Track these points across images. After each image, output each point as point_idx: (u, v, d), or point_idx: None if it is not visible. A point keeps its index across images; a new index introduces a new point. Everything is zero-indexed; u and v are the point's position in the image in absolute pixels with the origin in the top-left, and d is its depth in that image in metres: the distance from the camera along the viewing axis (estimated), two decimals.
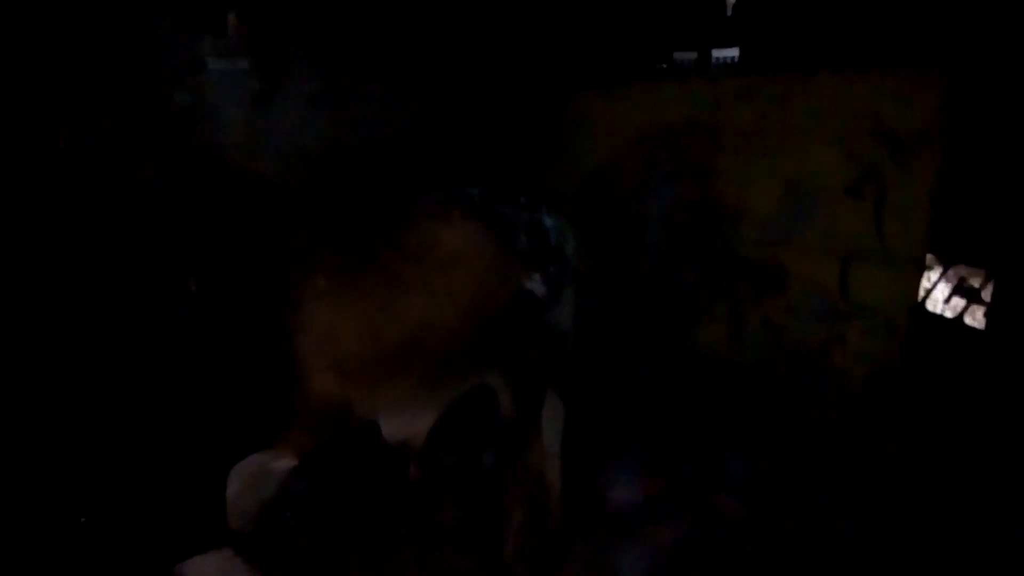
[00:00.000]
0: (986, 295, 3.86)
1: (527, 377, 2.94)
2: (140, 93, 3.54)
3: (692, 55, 5.09)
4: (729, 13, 4.65)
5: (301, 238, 2.77)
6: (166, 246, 2.95)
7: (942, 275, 4.06)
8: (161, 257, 2.88)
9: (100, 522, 2.70)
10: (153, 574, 2.42)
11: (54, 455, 2.73)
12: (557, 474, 3.24)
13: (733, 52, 4.91)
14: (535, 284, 2.86)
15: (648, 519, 3.46)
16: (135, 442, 2.67)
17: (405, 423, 2.88)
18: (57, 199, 3.14)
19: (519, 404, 2.93)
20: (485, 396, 2.98)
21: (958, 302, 4.07)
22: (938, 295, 4.14)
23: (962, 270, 4.07)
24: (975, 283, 3.95)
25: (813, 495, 3.67)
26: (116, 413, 2.68)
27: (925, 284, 3.97)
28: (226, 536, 2.55)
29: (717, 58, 5.06)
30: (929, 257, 3.94)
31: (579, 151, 5.05)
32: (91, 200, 3.21)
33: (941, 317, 3.97)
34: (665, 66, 5.21)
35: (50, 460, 2.74)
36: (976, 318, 3.93)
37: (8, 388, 2.71)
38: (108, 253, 2.97)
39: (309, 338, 2.57)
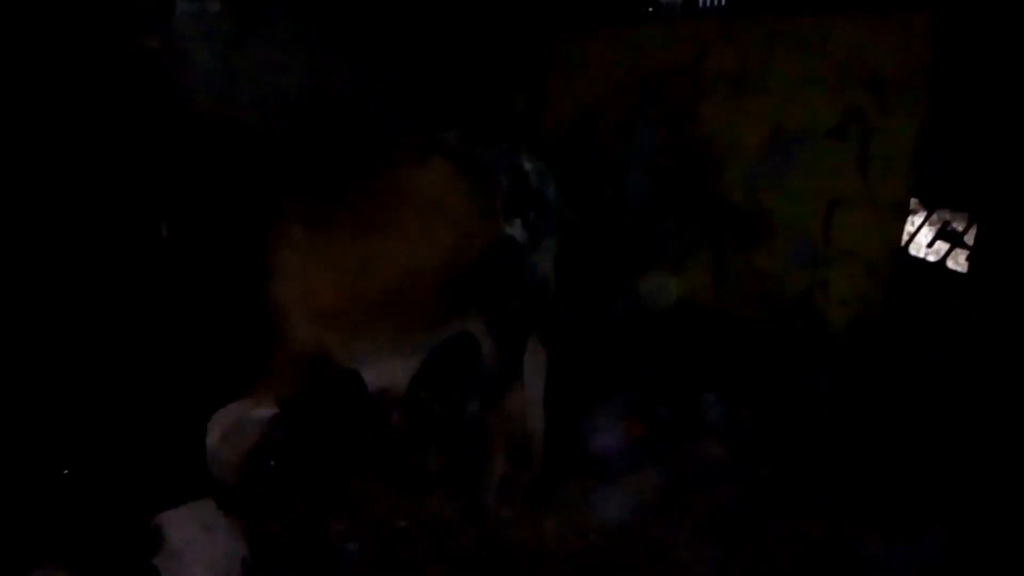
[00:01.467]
0: (969, 239, 3.87)
1: (508, 323, 2.92)
2: (106, 37, 3.43)
3: None
4: None
5: (276, 185, 2.71)
6: (136, 192, 2.88)
7: (925, 219, 4.07)
8: (131, 203, 2.81)
9: (77, 474, 2.68)
10: (131, 526, 2.40)
11: (28, 406, 2.70)
12: (539, 420, 3.25)
13: None
14: (515, 229, 2.82)
15: (630, 463, 3.49)
16: (110, 392, 2.63)
17: (386, 371, 2.85)
18: (26, 148, 3.05)
19: (501, 351, 2.91)
20: (467, 343, 2.96)
21: (941, 246, 4.08)
22: (921, 239, 4.15)
23: (945, 214, 4.08)
24: (958, 227, 3.96)
25: (792, 438, 3.70)
26: (89, 363, 2.64)
27: (908, 228, 3.97)
28: (206, 487, 2.53)
29: (703, 1, 4.98)
30: (913, 201, 3.93)
31: (562, 96, 4.98)
32: (59, 148, 3.12)
33: (924, 261, 3.98)
34: (651, 9, 5.11)
35: (25, 411, 2.71)
36: (959, 262, 3.94)
37: None
38: (77, 199, 2.90)
39: (286, 286, 2.52)
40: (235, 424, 2.52)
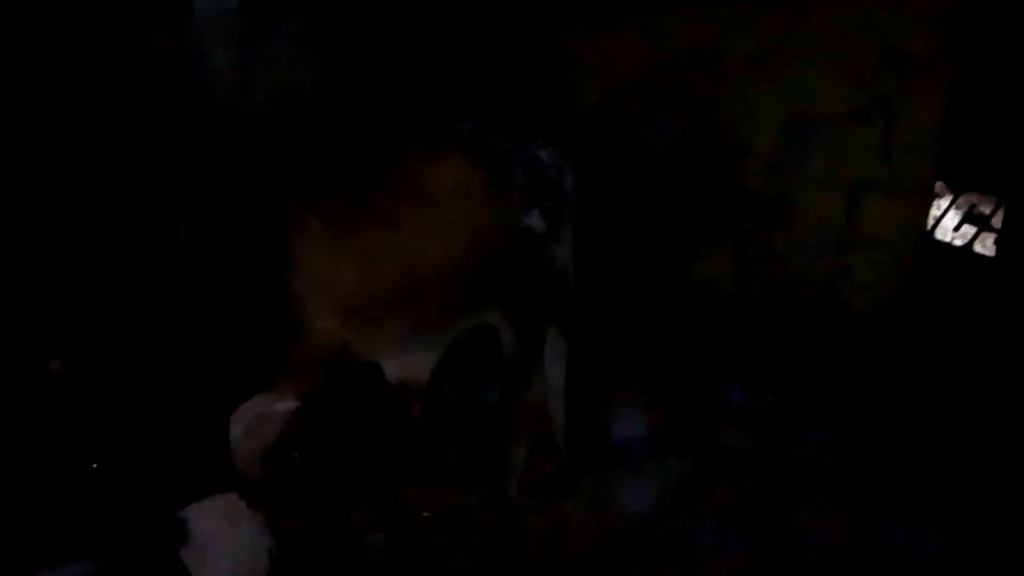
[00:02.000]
0: (997, 222, 3.80)
1: (528, 314, 2.92)
2: (124, 36, 3.46)
3: None
4: None
5: (294, 180, 2.73)
6: (156, 190, 2.91)
7: (952, 203, 3.99)
8: (151, 201, 2.84)
9: (105, 467, 2.73)
10: (157, 519, 2.44)
11: (57, 403, 2.75)
12: (560, 410, 3.26)
13: None
14: (533, 220, 2.81)
15: (652, 453, 3.48)
16: (136, 388, 2.67)
17: (407, 363, 2.87)
18: (43, 149, 3.09)
19: (521, 342, 2.92)
20: (487, 335, 2.97)
21: (968, 230, 4.00)
22: (947, 223, 4.07)
23: (972, 197, 4.00)
24: (985, 210, 3.88)
25: (815, 426, 3.67)
26: (115, 360, 2.68)
27: (934, 212, 3.91)
28: (230, 482, 2.56)
29: None
30: (939, 185, 3.87)
31: (578, 84, 4.94)
32: (77, 148, 3.16)
33: (950, 245, 3.91)
34: None
35: (54, 408, 2.75)
36: (986, 245, 3.87)
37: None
38: (97, 198, 2.94)
39: (306, 280, 2.55)
40: (258, 418, 2.56)
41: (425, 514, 3.10)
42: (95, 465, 2.79)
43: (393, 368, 2.84)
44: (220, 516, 2.46)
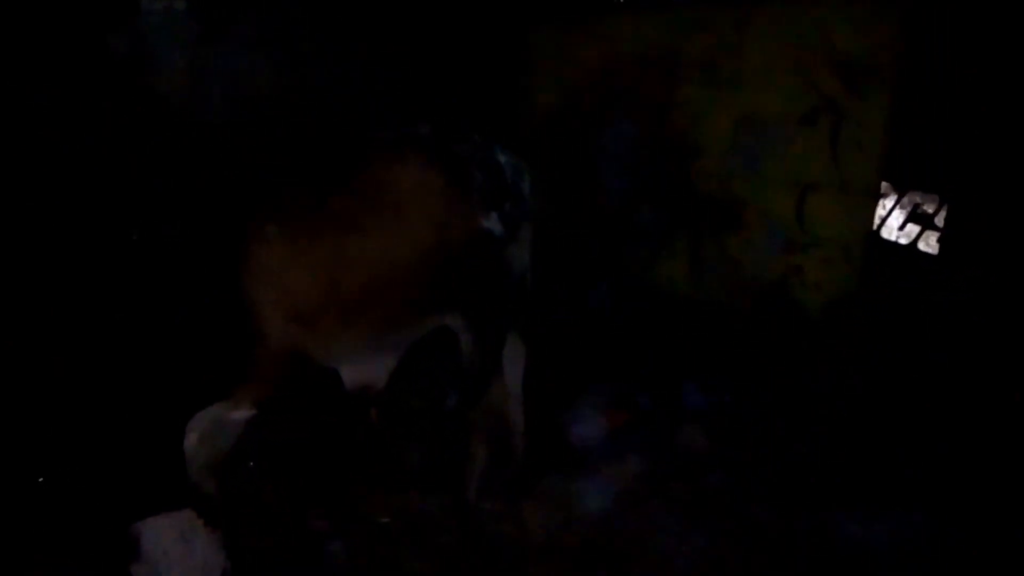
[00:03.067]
0: (939, 220, 3.92)
1: (487, 317, 2.92)
2: (71, 38, 3.37)
3: None
4: None
5: (251, 184, 2.69)
6: (108, 194, 2.84)
7: (897, 202, 4.09)
8: (103, 205, 2.78)
9: (56, 479, 2.65)
10: (109, 532, 2.38)
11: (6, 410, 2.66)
12: (520, 413, 3.25)
13: None
14: (492, 222, 2.81)
15: (611, 453, 3.50)
16: (88, 396, 2.60)
17: (365, 368, 2.84)
18: None
19: (480, 345, 2.91)
20: (446, 338, 2.95)
21: (912, 228, 4.11)
22: (893, 222, 4.18)
23: (916, 196, 4.11)
24: (929, 209, 4.00)
25: (772, 424, 3.73)
26: (66, 367, 2.61)
27: (880, 212, 4.01)
28: (186, 496, 2.51)
29: None
30: (884, 185, 3.96)
31: (535, 87, 4.97)
32: (27, 154, 3.08)
33: (896, 244, 4.02)
34: (622, 0, 5.10)
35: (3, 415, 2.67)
36: (930, 244, 3.98)
37: None
38: (47, 202, 2.86)
39: (262, 286, 2.50)
40: (212, 427, 2.51)
41: (384, 520, 3.07)
42: (40, 479, 2.71)
43: (351, 374, 2.81)
44: (174, 533, 2.42)
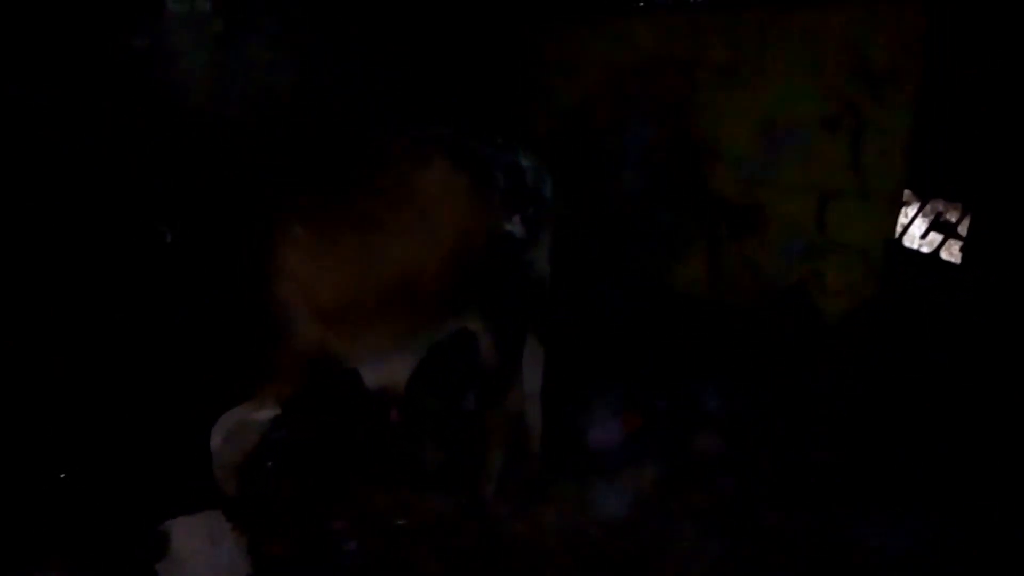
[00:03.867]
0: (962, 229, 3.90)
1: (508, 320, 2.92)
2: (98, 38, 3.40)
3: None
4: None
5: (276, 184, 2.70)
6: (135, 194, 2.86)
7: (919, 210, 4.09)
8: (130, 205, 2.79)
9: (86, 475, 2.67)
10: (139, 529, 2.40)
11: (37, 408, 2.68)
12: (537, 415, 3.26)
13: None
14: (513, 225, 2.81)
15: (628, 457, 3.50)
16: (119, 396, 2.62)
17: (386, 369, 2.85)
18: (18, 153, 3.02)
19: (500, 347, 2.92)
20: (466, 340, 2.96)
21: (935, 237, 4.10)
22: (915, 230, 4.17)
23: (939, 205, 4.10)
24: (952, 218, 3.99)
25: (789, 428, 3.72)
26: (95, 367, 2.63)
27: (902, 219, 4.00)
28: (215, 498, 2.52)
29: None
30: (906, 192, 3.95)
31: (553, 90, 4.97)
32: (54, 153, 3.10)
33: (918, 252, 4.00)
34: (641, 3, 5.10)
35: (33, 413, 2.69)
36: (952, 252, 3.97)
37: None
38: (75, 202, 2.88)
39: (288, 286, 2.51)
40: (237, 427, 2.52)
41: (401, 520, 3.08)
42: (63, 475, 2.73)
43: (372, 374, 2.82)
44: (203, 533, 2.42)
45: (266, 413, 2.52)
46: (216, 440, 2.47)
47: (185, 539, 2.37)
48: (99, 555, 2.40)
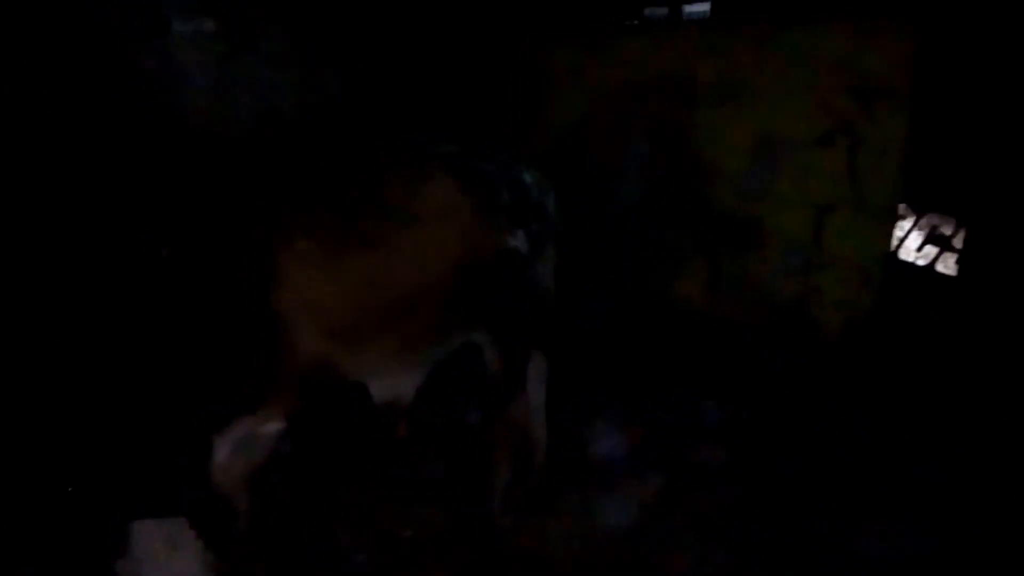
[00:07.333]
0: (957, 242, 3.95)
1: (513, 334, 2.96)
2: (105, 57, 3.45)
3: (663, 10, 5.06)
4: None
5: (280, 199, 2.73)
6: (137, 209, 2.89)
7: (914, 224, 4.15)
8: (132, 221, 2.83)
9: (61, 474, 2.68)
10: (103, 526, 2.42)
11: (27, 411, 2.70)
12: (542, 428, 3.28)
13: (704, 7, 4.90)
14: (518, 241, 2.86)
15: (631, 469, 3.52)
16: (113, 409, 2.64)
17: (393, 383, 2.88)
18: (21, 169, 3.06)
19: (505, 361, 2.95)
20: (471, 354, 2.99)
21: (930, 250, 4.16)
22: (910, 244, 4.23)
23: (934, 218, 4.16)
24: (947, 231, 4.04)
25: (790, 440, 3.75)
26: (93, 381, 2.65)
27: (898, 233, 4.04)
28: (185, 506, 2.53)
29: (688, 13, 5.04)
30: (902, 206, 4.00)
31: (552, 108, 5.02)
32: (57, 168, 3.13)
33: (913, 265, 4.05)
34: (636, 22, 5.17)
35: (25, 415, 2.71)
36: (948, 265, 4.02)
37: None
38: (77, 217, 2.91)
39: (293, 300, 2.54)
40: (244, 440, 2.54)
41: (408, 533, 3.10)
42: (70, 488, 2.74)
43: (379, 388, 2.84)
44: (163, 538, 2.43)
45: (273, 426, 2.55)
46: (222, 453, 2.49)
47: (146, 541, 2.38)
48: (60, 546, 2.41)
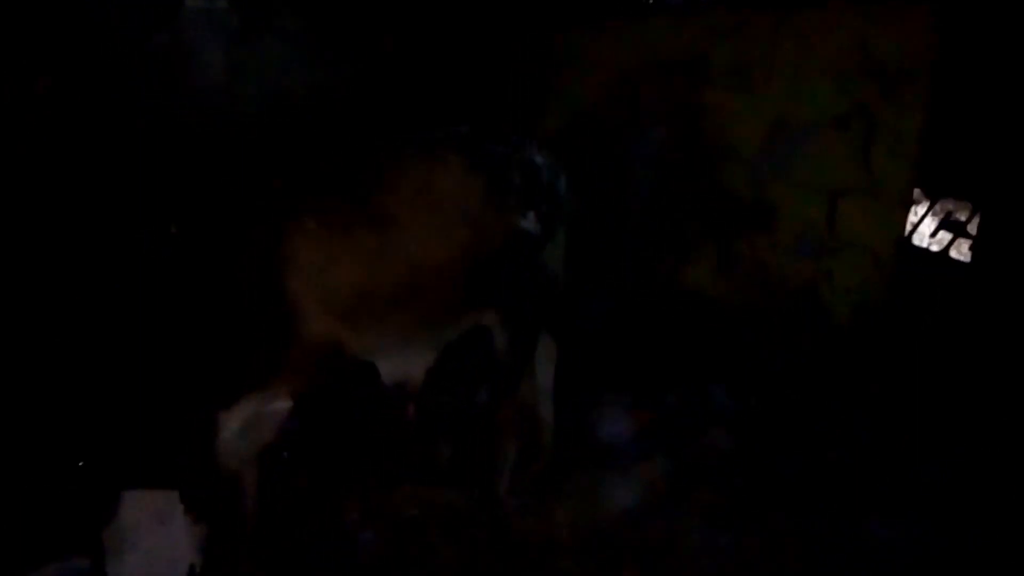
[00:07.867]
0: (972, 228, 3.90)
1: (523, 316, 2.95)
2: (118, 33, 3.44)
3: None
4: None
5: (291, 179, 2.73)
6: (148, 188, 2.90)
7: (929, 209, 4.10)
8: (142, 199, 2.84)
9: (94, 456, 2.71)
10: (95, 493, 2.45)
11: (37, 391, 2.73)
12: (550, 410, 3.29)
13: None
14: (529, 223, 2.84)
15: (638, 453, 3.53)
16: (126, 387, 2.66)
17: (403, 364, 2.88)
18: (36, 146, 3.07)
19: (515, 343, 2.95)
20: (481, 336, 3.00)
21: (944, 236, 4.12)
22: (924, 229, 4.18)
23: (949, 204, 4.11)
24: (961, 216, 3.99)
25: (798, 426, 3.74)
26: (103, 359, 2.67)
27: (912, 218, 4.00)
28: (178, 481, 2.55)
29: None
30: (916, 191, 3.95)
31: (566, 90, 4.99)
32: (70, 145, 3.14)
33: (927, 251, 4.01)
34: (651, 2, 5.11)
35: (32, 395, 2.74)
36: (962, 251, 3.98)
37: None
38: (88, 196, 2.93)
39: (302, 280, 2.54)
40: (253, 418, 2.55)
41: (415, 512, 3.12)
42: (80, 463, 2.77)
43: (388, 368, 2.85)
44: (151, 509, 2.44)
45: (281, 404, 2.56)
46: (231, 429, 2.50)
47: (134, 511, 2.39)
48: (52, 510, 2.43)
